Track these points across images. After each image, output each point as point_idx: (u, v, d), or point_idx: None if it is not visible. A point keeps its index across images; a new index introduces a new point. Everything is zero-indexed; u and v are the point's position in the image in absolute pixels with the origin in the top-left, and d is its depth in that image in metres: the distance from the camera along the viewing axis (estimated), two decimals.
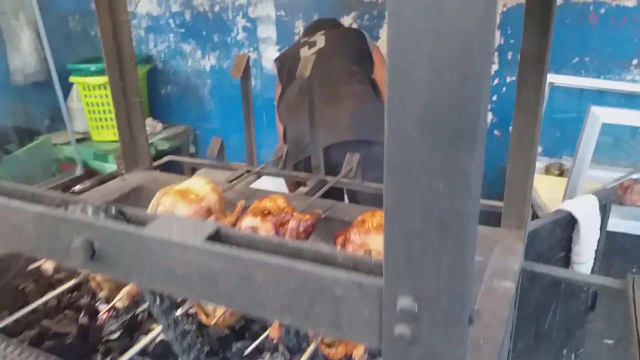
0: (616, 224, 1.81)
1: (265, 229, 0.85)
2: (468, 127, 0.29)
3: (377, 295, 0.37)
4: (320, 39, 2.15)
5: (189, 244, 0.43)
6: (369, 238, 0.84)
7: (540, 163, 2.34)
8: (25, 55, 3.52)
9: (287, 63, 2.18)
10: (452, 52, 0.28)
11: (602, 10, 2.20)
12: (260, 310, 0.41)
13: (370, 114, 1.96)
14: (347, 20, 2.74)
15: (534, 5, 0.97)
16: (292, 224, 0.82)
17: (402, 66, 0.30)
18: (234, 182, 1.58)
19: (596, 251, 1.54)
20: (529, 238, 1.28)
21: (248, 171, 1.62)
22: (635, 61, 2.23)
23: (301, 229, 0.82)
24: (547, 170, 2.34)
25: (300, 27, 2.86)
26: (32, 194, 0.54)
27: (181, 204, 0.99)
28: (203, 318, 0.83)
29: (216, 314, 0.79)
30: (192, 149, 3.47)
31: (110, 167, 2.96)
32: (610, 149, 2.31)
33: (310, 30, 2.30)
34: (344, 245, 0.86)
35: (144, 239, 0.45)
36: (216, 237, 0.44)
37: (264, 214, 0.86)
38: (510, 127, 1.09)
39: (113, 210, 0.50)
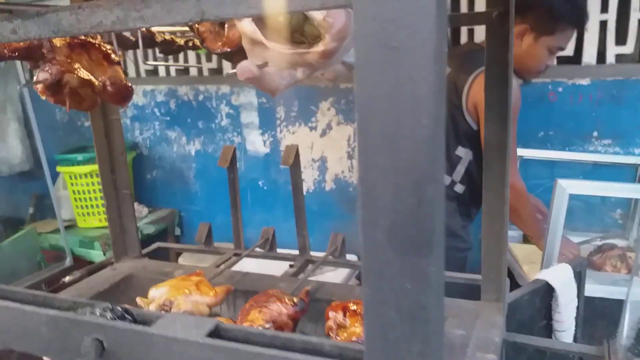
0: (594, 289, 1.87)
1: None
2: (426, 238, 0.37)
3: None
4: None
5: (191, 340, 0.48)
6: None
7: (518, 232, 2.43)
8: (11, 146, 3.62)
9: None
10: (409, 182, 0.36)
11: (560, 89, 2.38)
12: None
13: None
14: (325, 105, 2.91)
15: (492, 100, 1.08)
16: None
17: (372, 193, 0.37)
18: (222, 266, 1.62)
19: (576, 318, 1.59)
20: (510, 308, 1.33)
21: (236, 254, 1.66)
22: (595, 133, 2.39)
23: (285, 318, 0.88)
24: (525, 240, 2.42)
25: (281, 112, 3.02)
26: (44, 297, 0.59)
27: None
28: None
29: None
30: (178, 232, 3.50)
31: (96, 253, 2.96)
32: (583, 215, 2.42)
33: None
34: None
35: (150, 336, 0.50)
36: (215, 332, 0.50)
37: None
38: (482, 207, 1.18)
39: (120, 311, 0.55)
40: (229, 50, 0.80)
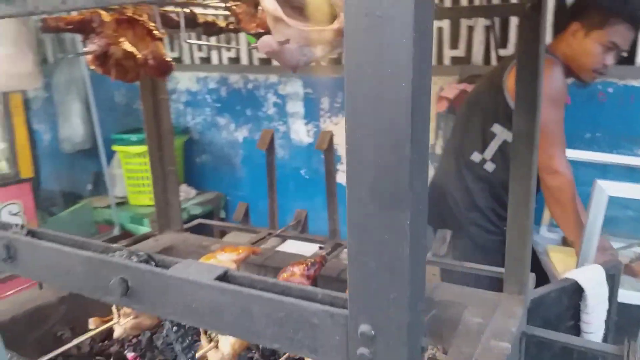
0: (631, 295, 1.82)
1: None
2: (403, 194, 0.41)
3: (344, 323, 0.47)
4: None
5: (201, 283, 0.54)
6: None
7: (557, 235, 2.38)
8: (74, 125, 3.84)
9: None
10: (389, 142, 0.40)
11: (611, 90, 2.32)
12: (256, 338, 0.51)
13: None
14: None
15: (522, 90, 1.09)
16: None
17: (357, 151, 0.42)
18: (257, 244, 1.69)
19: (607, 322, 1.56)
20: (536, 304, 1.33)
21: (270, 234, 1.73)
22: None
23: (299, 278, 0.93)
24: (564, 242, 2.37)
25: (325, 103, 3.07)
26: (82, 242, 0.66)
27: None
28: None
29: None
30: (223, 214, 3.63)
31: (145, 229, 3.12)
32: (628, 222, 2.34)
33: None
34: None
35: (167, 278, 0.56)
36: (224, 277, 0.55)
37: None
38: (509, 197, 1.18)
39: (144, 256, 0.62)
40: (262, 31, 0.86)
